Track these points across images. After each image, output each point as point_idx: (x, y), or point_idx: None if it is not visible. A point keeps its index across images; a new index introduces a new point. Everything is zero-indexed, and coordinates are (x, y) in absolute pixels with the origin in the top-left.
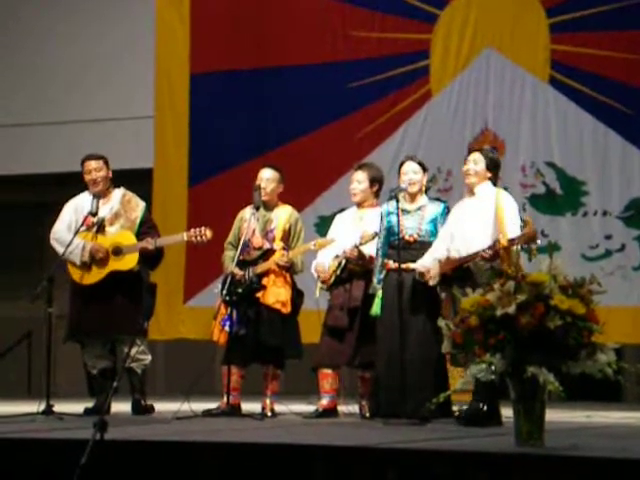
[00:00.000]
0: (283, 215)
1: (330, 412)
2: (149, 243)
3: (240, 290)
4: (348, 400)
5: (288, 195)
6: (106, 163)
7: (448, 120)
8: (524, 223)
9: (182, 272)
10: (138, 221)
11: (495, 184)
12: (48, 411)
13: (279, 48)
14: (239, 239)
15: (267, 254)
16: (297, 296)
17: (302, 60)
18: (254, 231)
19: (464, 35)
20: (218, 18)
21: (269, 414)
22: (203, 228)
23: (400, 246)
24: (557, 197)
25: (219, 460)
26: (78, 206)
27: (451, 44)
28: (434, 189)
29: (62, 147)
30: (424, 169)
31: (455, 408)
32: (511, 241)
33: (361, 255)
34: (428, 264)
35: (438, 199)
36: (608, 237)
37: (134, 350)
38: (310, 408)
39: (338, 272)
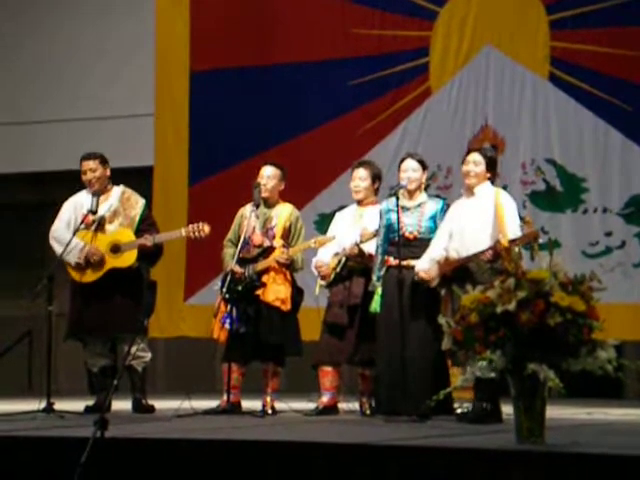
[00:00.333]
0: (284, 213)
1: (330, 410)
2: (147, 240)
3: (240, 288)
4: (348, 397)
5: (288, 193)
6: (103, 162)
7: (448, 117)
8: (525, 223)
9: (183, 270)
10: (137, 218)
11: (493, 182)
12: (49, 409)
13: (279, 46)
14: (239, 237)
15: (267, 252)
16: (297, 294)
17: (302, 58)
18: (254, 228)
19: (464, 32)
20: (218, 16)
21: (269, 412)
22: (201, 223)
23: (400, 243)
24: (557, 194)
25: (219, 458)
26: (77, 204)
27: (451, 41)
28: (434, 186)
29: (65, 145)
30: (424, 167)
31: (456, 405)
32: (512, 242)
33: (361, 253)
34: (427, 267)
35: (438, 196)
36: (608, 234)
37: (134, 348)
38: (310, 406)
39: (338, 270)
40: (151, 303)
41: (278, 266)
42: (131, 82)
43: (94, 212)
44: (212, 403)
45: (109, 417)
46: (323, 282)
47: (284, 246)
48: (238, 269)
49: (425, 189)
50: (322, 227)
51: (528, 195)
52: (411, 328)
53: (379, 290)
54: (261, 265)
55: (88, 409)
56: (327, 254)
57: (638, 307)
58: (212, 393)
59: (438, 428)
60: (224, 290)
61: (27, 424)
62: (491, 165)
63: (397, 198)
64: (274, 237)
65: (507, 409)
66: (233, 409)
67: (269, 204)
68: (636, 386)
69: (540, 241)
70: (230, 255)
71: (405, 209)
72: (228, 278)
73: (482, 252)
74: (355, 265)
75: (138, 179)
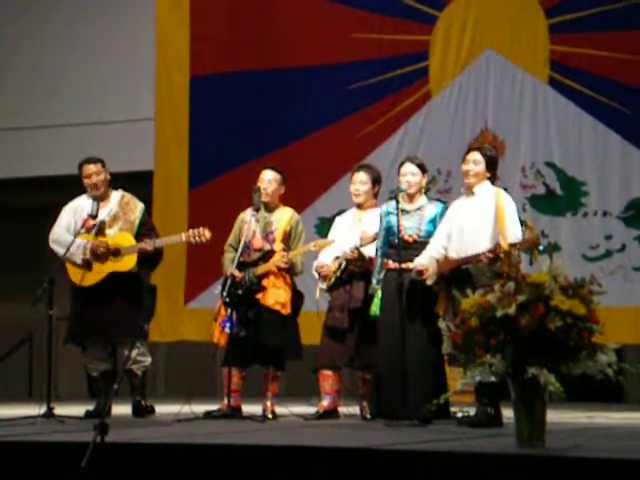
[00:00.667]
0: (284, 217)
1: (331, 413)
2: (148, 244)
3: (240, 291)
4: (349, 401)
5: (288, 196)
6: (104, 166)
7: (448, 121)
8: (527, 228)
9: (183, 274)
10: (137, 223)
11: (493, 182)
12: (49, 414)
13: (279, 50)
14: (239, 241)
15: (267, 256)
16: (297, 297)
17: (302, 62)
18: (254, 233)
19: (463, 36)
20: (218, 20)
21: (270, 416)
22: (202, 228)
23: (400, 246)
24: (557, 197)
25: (220, 462)
26: (77, 208)
27: (450, 45)
28: (434, 190)
29: (64, 150)
30: (423, 170)
31: (455, 409)
32: (513, 246)
33: (361, 256)
34: (425, 262)
35: (438, 200)
36: (608, 237)
37: (134, 352)
38: (311, 410)
39: (338, 273)
40: (151, 307)
41: (278, 270)
42: (131, 86)
43: (94, 216)
44: (212, 407)
45: (109, 422)
46: (323, 286)
47: (284, 250)
48: (238, 273)
49: (425, 193)
50: (322, 231)
51: (528, 199)
52: (411, 331)
53: (379, 293)
54: (261, 269)
55: (88, 414)
56: (327, 258)
57: (638, 310)
58: (212, 397)
59: (439, 432)
60: (224, 294)
61: (27, 429)
62: (491, 164)
63: (397, 201)
64: (274, 241)
65: (507, 413)
66: (233, 413)
67: (269, 208)
68: (637, 390)
69: (540, 248)
70: (230, 259)
71: (405, 212)
72: (228, 282)
73: (481, 254)
74: (355, 269)
75: (138, 184)
